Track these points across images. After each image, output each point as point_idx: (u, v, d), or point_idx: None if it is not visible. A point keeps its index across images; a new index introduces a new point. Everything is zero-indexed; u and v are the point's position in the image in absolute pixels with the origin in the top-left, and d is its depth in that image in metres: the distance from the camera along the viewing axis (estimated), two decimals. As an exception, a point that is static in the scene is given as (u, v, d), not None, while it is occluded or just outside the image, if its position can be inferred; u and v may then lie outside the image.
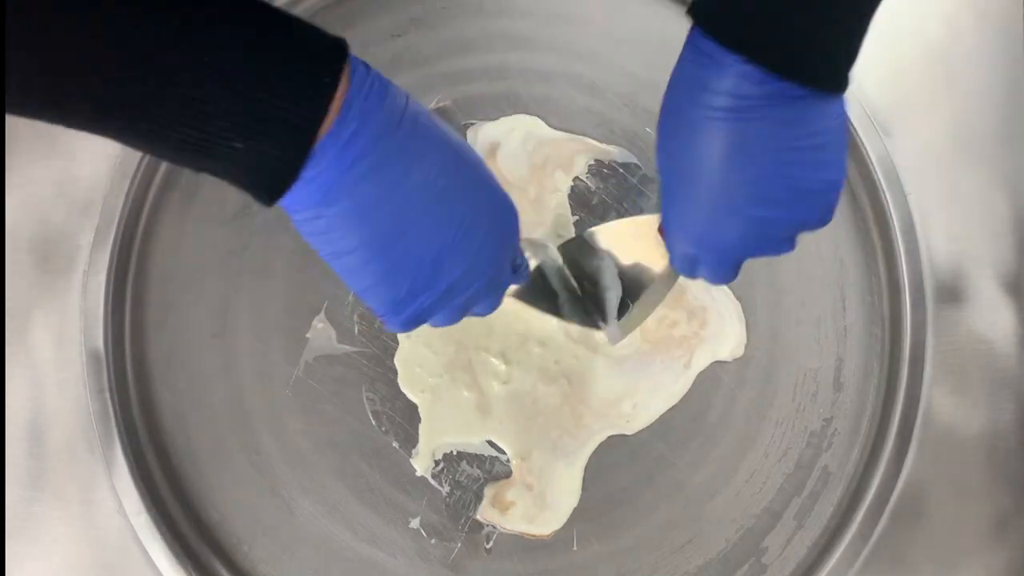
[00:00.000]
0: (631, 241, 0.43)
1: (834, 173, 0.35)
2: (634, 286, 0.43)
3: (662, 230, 0.39)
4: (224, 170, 0.30)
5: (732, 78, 0.32)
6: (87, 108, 0.28)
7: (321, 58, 0.30)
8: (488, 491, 0.50)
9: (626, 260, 0.43)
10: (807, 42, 0.31)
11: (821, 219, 0.36)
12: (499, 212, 0.35)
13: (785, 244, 0.37)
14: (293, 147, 0.29)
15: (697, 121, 0.33)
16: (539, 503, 0.50)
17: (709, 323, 0.51)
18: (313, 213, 0.31)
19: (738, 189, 0.34)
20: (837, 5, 0.31)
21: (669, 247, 0.39)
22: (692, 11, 0.33)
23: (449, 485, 0.50)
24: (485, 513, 0.50)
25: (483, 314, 0.38)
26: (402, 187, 0.31)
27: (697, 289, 0.51)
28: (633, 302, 0.43)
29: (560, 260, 0.46)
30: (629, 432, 0.51)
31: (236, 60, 0.28)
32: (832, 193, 0.35)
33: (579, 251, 0.45)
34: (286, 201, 0.31)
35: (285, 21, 0.30)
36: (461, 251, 0.33)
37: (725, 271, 0.38)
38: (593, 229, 0.45)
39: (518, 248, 0.38)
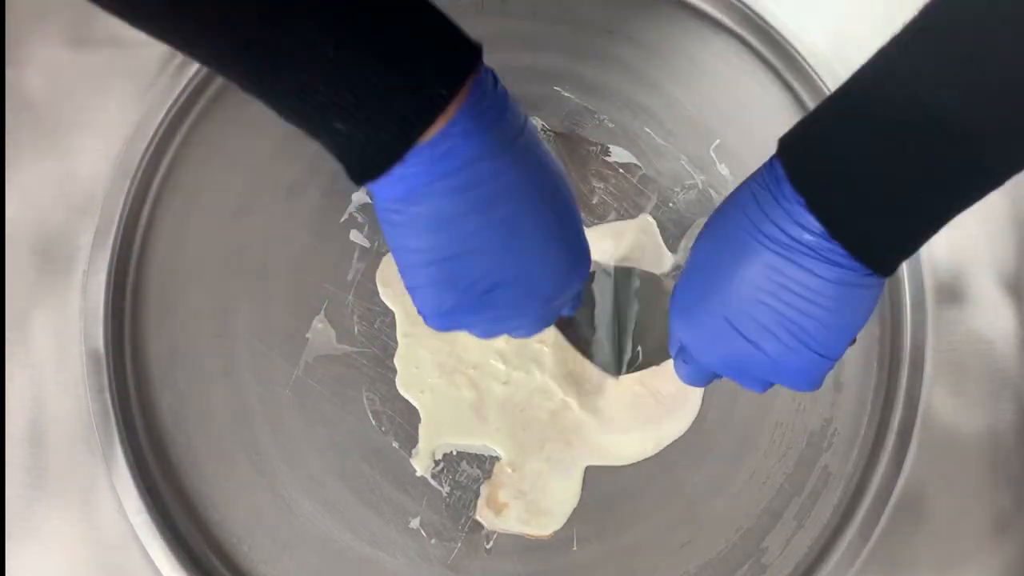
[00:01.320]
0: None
1: (836, 346, 0.34)
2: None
3: None
4: (325, 142, 0.31)
5: (796, 227, 0.31)
6: (207, 51, 0.29)
7: (444, 68, 0.29)
8: (483, 490, 0.50)
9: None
10: (880, 229, 0.31)
11: (801, 385, 0.35)
12: (570, 263, 0.35)
13: (757, 384, 0.37)
14: (389, 146, 0.29)
15: (745, 236, 0.33)
16: (533, 508, 0.50)
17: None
18: (393, 206, 0.32)
19: (745, 309, 0.34)
20: (925, 207, 0.31)
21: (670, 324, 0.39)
22: (781, 150, 0.33)
23: (449, 485, 0.50)
24: (481, 513, 0.50)
25: (522, 336, 0.39)
26: (483, 213, 0.32)
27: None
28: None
29: (609, 296, 0.46)
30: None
31: (362, 50, 0.28)
32: (823, 366, 0.34)
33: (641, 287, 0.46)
34: (372, 186, 0.31)
35: (430, 18, 0.29)
36: (517, 289, 0.34)
37: (697, 374, 0.39)
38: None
39: (578, 292, 0.38)
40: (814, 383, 0.35)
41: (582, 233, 0.36)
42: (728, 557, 0.50)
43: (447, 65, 0.29)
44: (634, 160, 0.53)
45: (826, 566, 0.49)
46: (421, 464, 0.50)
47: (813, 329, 0.33)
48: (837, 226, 0.31)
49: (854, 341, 0.35)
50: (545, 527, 0.50)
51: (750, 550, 0.50)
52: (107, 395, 0.49)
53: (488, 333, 0.37)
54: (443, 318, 0.34)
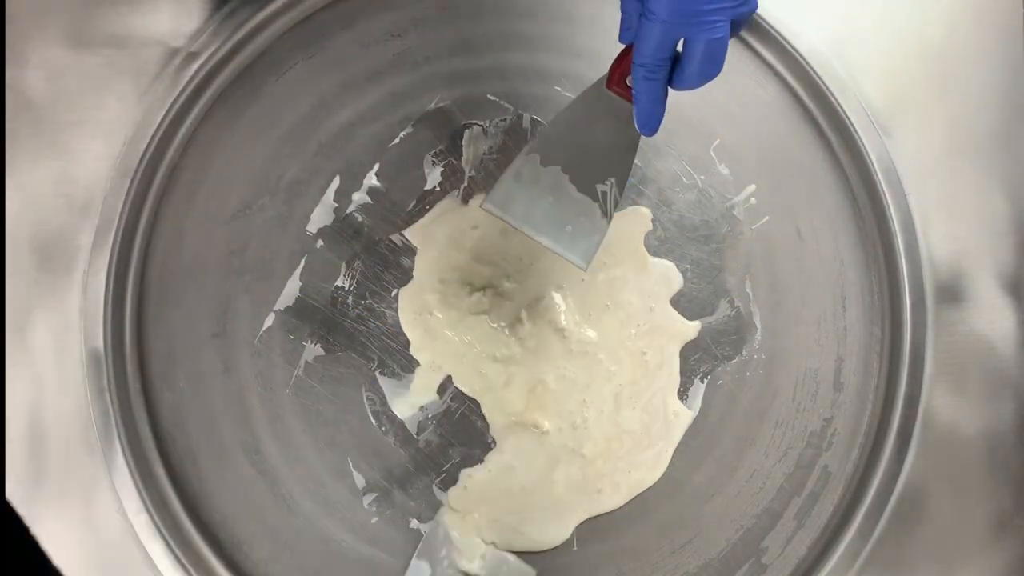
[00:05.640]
0: None
1: None
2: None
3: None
4: None
5: None
6: None
7: None
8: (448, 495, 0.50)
9: None
10: None
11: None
12: None
13: (719, 25, 0.38)
14: None
15: None
16: (512, 535, 0.50)
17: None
18: None
19: None
20: None
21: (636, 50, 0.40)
22: None
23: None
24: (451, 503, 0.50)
25: None
26: None
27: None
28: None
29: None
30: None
31: None
32: None
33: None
34: None
35: None
36: None
37: (662, 37, 0.39)
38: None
39: None
40: None
41: None
42: (728, 557, 0.50)
43: None
44: (635, 160, 0.53)
45: (826, 566, 0.49)
46: (412, 400, 0.51)
47: None
48: None
49: None
50: (536, 547, 0.50)
51: (750, 550, 0.50)
52: (107, 395, 0.49)
53: None
54: None
